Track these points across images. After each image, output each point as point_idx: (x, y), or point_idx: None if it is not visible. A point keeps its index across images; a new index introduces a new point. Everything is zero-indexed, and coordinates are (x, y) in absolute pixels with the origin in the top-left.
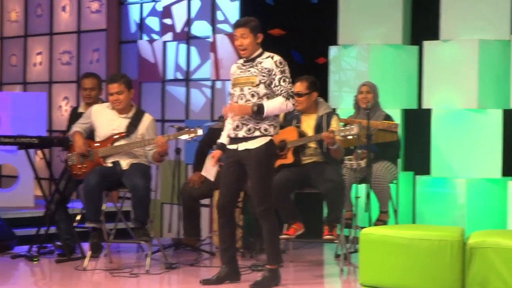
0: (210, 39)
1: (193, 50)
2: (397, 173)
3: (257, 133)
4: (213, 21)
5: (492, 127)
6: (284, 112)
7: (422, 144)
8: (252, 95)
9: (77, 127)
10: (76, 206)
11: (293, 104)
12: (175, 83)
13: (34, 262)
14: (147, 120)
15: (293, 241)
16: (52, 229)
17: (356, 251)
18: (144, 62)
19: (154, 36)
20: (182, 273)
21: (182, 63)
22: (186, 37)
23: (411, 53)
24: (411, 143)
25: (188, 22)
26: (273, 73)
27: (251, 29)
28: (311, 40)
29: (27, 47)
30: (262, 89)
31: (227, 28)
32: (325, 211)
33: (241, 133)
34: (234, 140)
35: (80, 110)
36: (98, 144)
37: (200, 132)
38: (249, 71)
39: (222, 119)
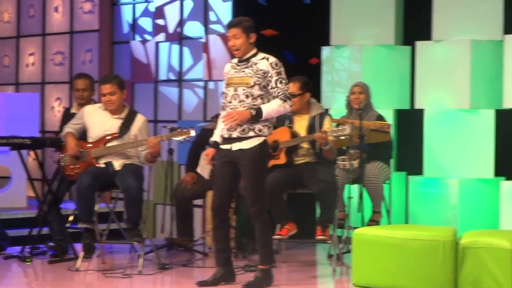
0: (203, 40)
1: (186, 50)
2: (389, 174)
3: (251, 134)
4: (205, 22)
5: (484, 127)
6: (281, 114)
7: (415, 144)
8: (247, 96)
9: (70, 128)
10: (68, 207)
11: (291, 106)
12: (167, 83)
13: (27, 263)
14: (139, 120)
15: (286, 242)
16: (45, 230)
17: (349, 251)
18: (136, 63)
19: (147, 36)
20: (175, 274)
21: (175, 64)
22: (178, 37)
23: (404, 54)
24: (403, 143)
25: (181, 23)
26: (269, 75)
27: (244, 29)
28: (303, 41)
29: (20, 47)
30: (256, 90)
31: (220, 28)
32: (318, 211)
33: (235, 133)
34: (228, 140)
35: (73, 110)
36: (91, 145)
37: (192, 133)
38: (243, 71)
39: (214, 119)
